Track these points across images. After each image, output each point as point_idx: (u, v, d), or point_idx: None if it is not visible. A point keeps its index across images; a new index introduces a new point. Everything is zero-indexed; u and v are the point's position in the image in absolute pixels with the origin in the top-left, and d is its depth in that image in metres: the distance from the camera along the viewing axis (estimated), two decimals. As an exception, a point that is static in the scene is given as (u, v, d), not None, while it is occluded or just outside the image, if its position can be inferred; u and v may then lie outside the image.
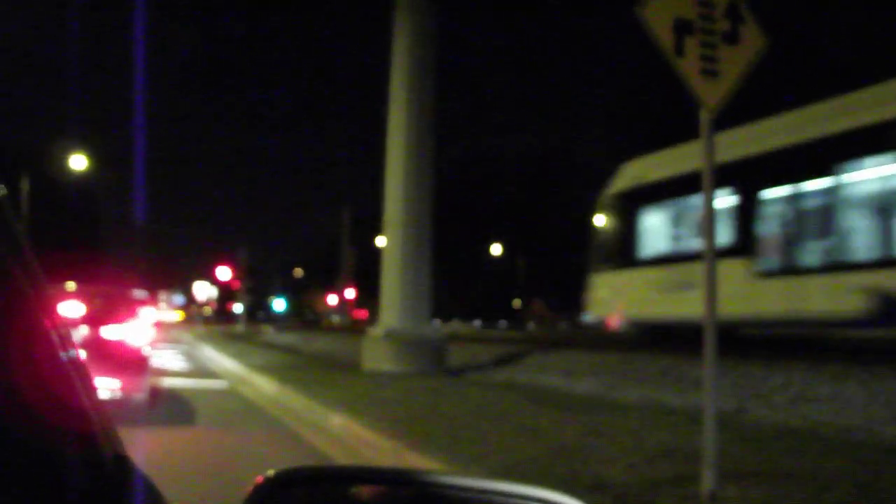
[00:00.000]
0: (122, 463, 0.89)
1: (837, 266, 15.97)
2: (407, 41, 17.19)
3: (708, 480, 5.23)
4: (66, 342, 0.81)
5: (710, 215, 5.55)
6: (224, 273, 55.96)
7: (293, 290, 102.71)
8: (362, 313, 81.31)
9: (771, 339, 21.15)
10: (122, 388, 10.21)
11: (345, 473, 1.35)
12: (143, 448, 7.83)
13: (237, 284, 58.02)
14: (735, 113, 7.11)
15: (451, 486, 1.16)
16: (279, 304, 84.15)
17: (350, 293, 74.89)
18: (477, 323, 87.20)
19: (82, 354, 0.85)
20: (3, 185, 0.79)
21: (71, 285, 11.62)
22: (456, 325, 78.23)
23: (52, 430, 0.78)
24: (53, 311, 0.81)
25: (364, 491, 1.24)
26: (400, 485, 1.24)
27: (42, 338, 0.77)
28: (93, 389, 0.85)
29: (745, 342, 19.19)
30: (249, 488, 1.11)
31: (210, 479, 6.74)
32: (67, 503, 0.79)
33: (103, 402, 0.88)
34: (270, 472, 1.15)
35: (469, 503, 1.17)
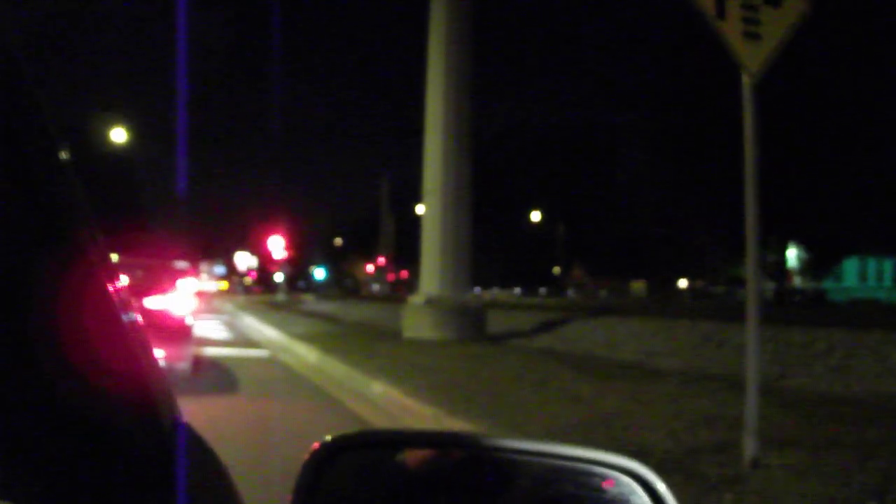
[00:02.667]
0: (180, 429, 0.91)
1: None
2: (445, 8, 17.10)
3: (749, 447, 5.22)
4: (127, 305, 0.83)
5: (753, 181, 5.48)
6: (277, 246, 54.88)
7: (333, 259, 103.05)
8: (403, 277, 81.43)
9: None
10: (166, 358, 10.37)
11: (399, 437, 1.36)
12: (187, 416, 7.89)
13: (290, 256, 57.35)
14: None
15: (505, 449, 1.16)
16: (319, 273, 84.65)
17: (389, 262, 75.06)
18: (517, 290, 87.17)
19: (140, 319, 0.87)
20: (65, 150, 0.80)
21: (114, 257, 11.77)
22: (496, 293, 78.28)
23: (110, 393, 0.80)
24: (114, 274, 0.83)
25: (416, 454, 1.25)
26: (456, 448, 1.25)
27: (105, 300, 0.79)
28: (152, 354, 0.86)
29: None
30: (306, 455, 1.13)
31: (254, 447, 6.82)
32: (123, 468, 0.81)
33: (161, 368, 0.90)
34: (327, 437, 1.16)
35: (523, 466, 1.17)
